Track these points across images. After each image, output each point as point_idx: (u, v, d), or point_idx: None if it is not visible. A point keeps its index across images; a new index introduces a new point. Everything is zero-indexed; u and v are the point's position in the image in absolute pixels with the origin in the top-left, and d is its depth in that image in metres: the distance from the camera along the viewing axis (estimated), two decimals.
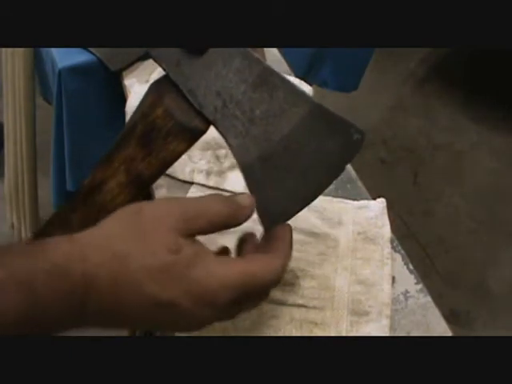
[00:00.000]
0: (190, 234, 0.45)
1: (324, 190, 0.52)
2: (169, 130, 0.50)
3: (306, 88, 0.94)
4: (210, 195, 0.50)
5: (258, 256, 0.49)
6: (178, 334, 0.52)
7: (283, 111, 0.50)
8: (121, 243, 0.42)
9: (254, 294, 0.47)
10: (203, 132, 0.51)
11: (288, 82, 0.50)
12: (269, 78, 0.50)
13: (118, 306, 0.41)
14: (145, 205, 0.45)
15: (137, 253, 0.42)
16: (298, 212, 0.52)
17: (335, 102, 1.95)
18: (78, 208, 0.53)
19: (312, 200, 0.52)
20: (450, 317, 1.60)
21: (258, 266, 0.46)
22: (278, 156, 0.50)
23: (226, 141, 0.51)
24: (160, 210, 0.45)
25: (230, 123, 0.50)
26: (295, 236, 0.73)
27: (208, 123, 0.51)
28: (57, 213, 0.54)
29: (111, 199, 0.52)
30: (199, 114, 0.50)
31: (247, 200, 0.50)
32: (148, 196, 0.53)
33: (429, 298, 0.69)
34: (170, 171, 0.79)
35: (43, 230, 0.54)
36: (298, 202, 0.52)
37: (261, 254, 0.49)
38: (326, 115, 0.50)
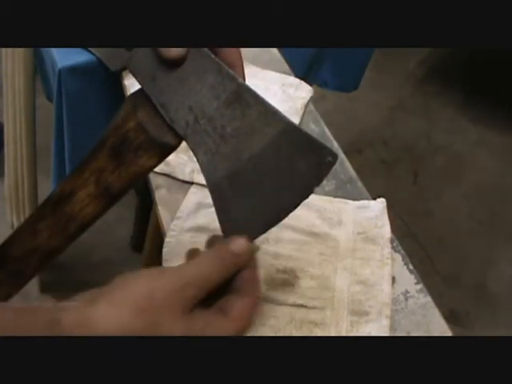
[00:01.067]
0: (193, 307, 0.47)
1: (291, 211, 0.52)
2: (140, 143, 0.50)
3: (306, 88, 0.94)
4: (205, 258, 0.50)
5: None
6: None
7: (254, 130, 0.49)
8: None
9: None
10: (174, 148, 0.51)
11: (262, 100, 0.49)
12: (242, 95, 0.49)
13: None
14: (147, 289, 0.45)
15: None
16: (261, 233, 0.53)
17: (335, 102, 1.95)
18: (46, 217, 0.53)
19: (277, 221, 0.52)
20: (449, 317, 1.60)
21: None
22: (246, 175, 0.50)
23: (196, 157, 0.51)
24: (159, 300, 0.45)
25: (200, 139, 0.49)
26: (295, 236, 0.73)
27: (180, 139, 0.51)
28: (25, 221, 0.54)
29: (80, 209, 0.52)
30: (171, 129, 0.50)
31: (243, 246, 0.50)
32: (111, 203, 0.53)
33: (429, 298, 0.69)
34: (170, 171, 0.79)
35: (11, 238, 0.54)
36: (262, 223, 0.52)
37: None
38: (298, 136, 0.49)
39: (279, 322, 0.65)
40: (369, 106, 2.12)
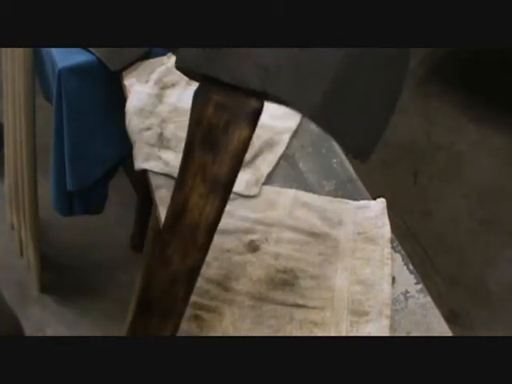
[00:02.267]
0: None
1: (397, 99, 0.51)
2: (226, 121, 0.49)
3: None
4: None
5: None
6: None
7: (327, 53, 0.48)
8: None
9: None
10: (259, 109, 0.50)
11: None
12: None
13: None
14: None
15: None
16: (385, 127, 0.51)
17: None
18: (170, 241, 0.51)
19: (392, 109, 0.50)
20: (450, 317, 1.59)
21: None
22: (340, 84, 0.48)
23: (284, 102, 0.49)
24: None
25: (280, 85, 0.48)
26: (295, 236, 0.73)
27: (261, 99, 0.50)
28: (149, 260, 0.53)
29: (199, 214, 0.50)
30: (248, 93, 0.49)
31: None
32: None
33: (429, 298, 0.69)
34: (170, 171, 0.79)
35: (145, 282, 0.52)
36: (380, 116, 0.50)
37: None
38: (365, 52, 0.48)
39: (279, 322, 0.65)
40: None
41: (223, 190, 0.51)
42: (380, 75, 0.50)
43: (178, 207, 0.50)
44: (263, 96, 0.50)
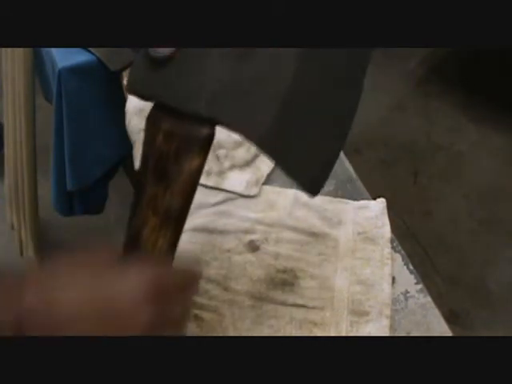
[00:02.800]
0: None
1: (353, 117, 0.48)
2: (175, 150, 0.47)
3: None
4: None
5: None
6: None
7: (275, 68, 0.45)
8: None
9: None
10: (209, 136, 0.48)
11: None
12: (247, 51, 0.46)
13: None
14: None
15: None
16: (337, 156, 0.48)
17: None
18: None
19: (347, 131, 0.48)
20: (450, 317, 1.60)
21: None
22: (291, 109, 0.45)
23: (233, 129, 0.47)
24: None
25: (229, 108, 0.46)
26: (295, 236, 0.73)
27: (211, 125, 0.48)
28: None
29: (152, 247, 0.49)
30: (198, 119, 0.47)
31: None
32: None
33: (429, 298, 0.69)
34: None
35: None
36: (332, 145, 0.48)
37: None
38: (315, 51, 0.46)
39: (279, 321, 0.65)
40: (369, 106, 2.12)
41: (175, 223, 0.49)
42: (333, 100, 0.47)
43: (131, 241, 0.49)
44: (212, 122, 0.47)
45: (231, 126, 0.46)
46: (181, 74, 0.47)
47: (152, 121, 0.48)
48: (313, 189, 0.48)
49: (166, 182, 0.47)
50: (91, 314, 0.43)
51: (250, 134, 0.46)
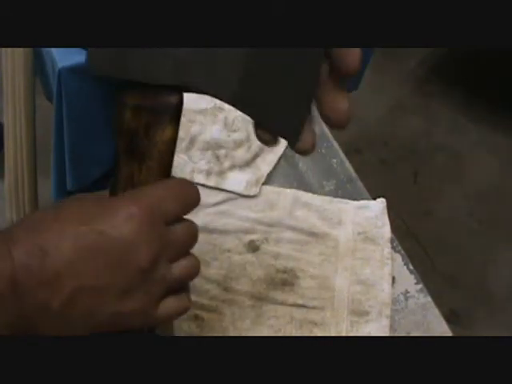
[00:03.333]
0: None
1: (319, 70, 0.47)
2: (145, 125, 0.46)
3: None
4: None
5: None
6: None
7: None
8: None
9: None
10: (179, 104, 0.47)
11: None
12: None
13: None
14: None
15: None
16: (310, 102, 0.48)
17: None
18: None
19: (313, 84, 0.47)
20: (450, 317, 1.60)
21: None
22: (257, 67, 0.45)
23: (203, 92, 0.45)
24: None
25: (195, 75, 0.44)
26: (295, 236, 0.73)
27: (178, 92, 0.47)
28: None
29: None
30: (164, 89, 0.46)
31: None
32: None
33: (429, 298, 0.69)
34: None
35: None
36: (303, 93, 0.47)
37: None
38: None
39: (279, 322, 0.65)
40: (369, 106, 2.12)
41: None
42: (296, 57, 0.46)
43: None
44: (179, 89, 0.46)
45: (200, 88, 0.45)
46: (144, 49, 0.46)
47: (118, 100, 0.47)
48: (290, 137, 0.48)
49: (140, 158, 0.46)
50: (87, 257, 0.40)
51: (221, 96, 0.45)
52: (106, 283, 0.40)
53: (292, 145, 0.47)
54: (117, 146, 0.47)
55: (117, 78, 0.47)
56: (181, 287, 0.45)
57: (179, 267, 0.44)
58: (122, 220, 0.41)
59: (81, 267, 0.40)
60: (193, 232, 0.46)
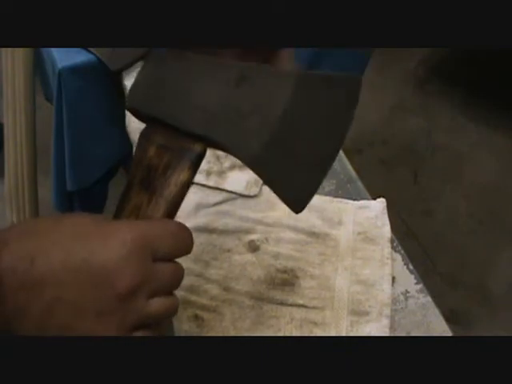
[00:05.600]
0: None
1: (338, 149, 0.50)
2: (165, 164, 0.48)
3: None
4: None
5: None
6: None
7: (271, 95, 0.46)
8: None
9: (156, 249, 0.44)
10: (201, 153, 0.49)
11: (264, 68, 0.48)
12: (246, 73, 0.47)
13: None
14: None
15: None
16: (320, 182, 0.50)
17: None
18: None
19: (330, 164, 0.50)
20: (450, 317, 1.60)
21: (147, 224, 0.45)
22: (282, 136, 0.47)
23: (225, 149, 0.49)
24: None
25: (223, 131, 0.47)
26: (295, 236, 0.73)
27: (202, 142, 0.49)
28: None
29: None
30: (191, 136, 0.48)
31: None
32: None
33: (429, 298, 0.69)
34: None
35: None
36: (316, 173, 0.49)
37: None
38: (314, 79, 0.47)
39: (279, 322, 0.65)
40: (369, 106, 2.12)
41: None
42: (325, 124, 0.49)
43: None
44: (205, 140, 0.49)
45: (224, 146, 0.48)
46: (179, 93, 0.48)
47: (146, 134, 0.50)
48: (296, 207, 0.49)
49: (152, 193, 0.48)
50: (72, 272, 0.40)
51: (241, 156, 0.47)
52: (84, 300, 0.41)
53: (297, 212, 0.49)
54: (132, 176, 0.49)
55: (149, 114, 0.50)
56: (156, 323, 0.46)
57: (157, 303, 0.44)
58: (113, 244, 0.42)
59: (64, 279, 0.41)
60: (178, 274, 0.47)
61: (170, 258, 0.46)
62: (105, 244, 0.42)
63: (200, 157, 0.49)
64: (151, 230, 0.44)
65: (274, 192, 0.48)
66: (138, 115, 0.52)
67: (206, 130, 0.47)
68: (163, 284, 0.45)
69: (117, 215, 0.49)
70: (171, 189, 0.48)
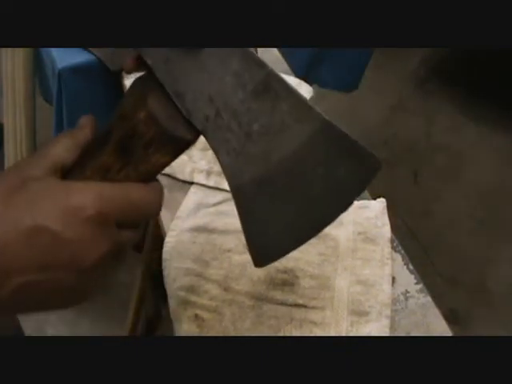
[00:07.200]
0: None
1: (327, 224, 0.44)
2: (151, 138, 0.43)
3: (306, 88, 0.94)
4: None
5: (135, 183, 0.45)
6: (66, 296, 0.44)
7: (286, 127, 0.42)
8: None
9: (127, 215, 0.43)
10: (191, 143, 0.44)
11: (295, 92, 0.43)
12: (272, 85, 0.42)
13: None
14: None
15: None
16: (295, 248, 0.45)
17: (335, 101, 1.95)
18: None
19: (313, 234, 0.45)
20: (450, 317, 1.60)
21: (134, 188, 0.43)
22: (277, 180, 0.42)
23: (216, 155, 0.44)
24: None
25: (222, 136, 0.43)
26: None
27: (197, 133, 0.44)
28: None
29: None
30: (187, 121, 0.43)
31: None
32: None
33: (429, 298, 0.69)
34: (170, 171, 0.79)
35: None
36: (296, 236, 0.45)
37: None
38: (336, 136, 0.42)
39: (279, 321, 0.65)
40: (369, 106, 2.12)
41: None
42: (328, 189, 0.43)
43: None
44: (200, 134, 0.44)
45: (216, 154, 0.44)
46: (197, 71, 0.43)
47: (142, 89, 0.44)
48: (257, 261, 0.46)
49: (126, 161, 0.44)
50: (37, 255, 0.39)
51: (228, 175, 0.44)
52: (52, 279, 0.40)
53: (254, 264, 0.46)
54: (112, 127, 0.44)
55: (155, 70, 0.44)
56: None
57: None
58: (78, 222, 0.40)
59: (29, 263, 0.40)
60: (137, 238, 0.47)
61: (133, 226, 0.45)
62: (69, 222, 0.40)
63: (189, 145, 0.45)
64: (118, 201, 0.42)
65: (243, 229, 0.45)
66: (139, 60, 0.46)
67: (205, 128, 0.43)
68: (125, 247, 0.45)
69: (80, 162, 0.45)
70: (148, 166, 0.44)
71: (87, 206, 0.41)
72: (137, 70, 0.47)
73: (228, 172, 0.44)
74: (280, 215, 0.44)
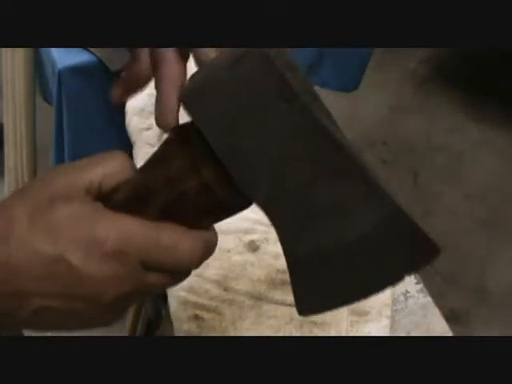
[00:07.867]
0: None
1: (375, 293, 0.43)
2: (203, 207, 0.40)
3: None
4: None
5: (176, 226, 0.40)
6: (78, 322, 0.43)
7: (353, 211, 0.39)
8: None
9: (155, 262, 0.39)
10: (244, 209, 0.42)
11: (370, 175, 0.41)
12: (345, 164, 0.39)
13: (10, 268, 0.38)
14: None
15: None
16: (339, 308, 0.44)
17: (335, 101, 1.95)
18: None
19: (359, 301, 0.43)
20: (450, 317, 1.60)
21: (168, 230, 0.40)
22: (333, 259, 0.41)
23: (273, 225, 0.41)
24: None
25: (283, 213, 0.40)
26: None
27: (248, 204, 0.41)
28: None
29: None
30: (244, 196, 0.40)
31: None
32: None
33: (429, 298, 0.69)
34: None
35: None
36: (343, 302, 0.43)
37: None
38: (403, 224, 0.40)
39: (279, 321, 0.65)
40: (369, 105, 2.12)
41: None
42: (377, 269, 0.42)
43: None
44: (250, 203, 0.41)
45: (273, 223, 0.41)
46: (258, 142, 0.39)
47: (193, 153, 0.40)
48: (302, 312, 0.44)
49: (169, 220, 0.40)
50: (55, 284, 0.38)
51: (284, 246, 0.41)
52: (71, 308, 0.39)
53: (299, 312, 0.44)
54: (151, 188, 0.40)
55: (222, 158, 0.39)
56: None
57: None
58: (97, 257, 0.38)
59: (48, 289, 0.39)
60: (170, 284, 0.42)
61: (163, 271, 0.41)
62: (89, 258, 0.38)
63: (242, 211, 0.42)
64: (138, 239, 0.39)
65: (292, 288, 0.42)
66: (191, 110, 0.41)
67: (266, 203, 0.40)
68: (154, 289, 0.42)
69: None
70: (195, 227, 0.41)
71: (108, 240, 0.38)
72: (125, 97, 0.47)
73: (284, 241, 0.42)
74: (331, 284, 0.42)
